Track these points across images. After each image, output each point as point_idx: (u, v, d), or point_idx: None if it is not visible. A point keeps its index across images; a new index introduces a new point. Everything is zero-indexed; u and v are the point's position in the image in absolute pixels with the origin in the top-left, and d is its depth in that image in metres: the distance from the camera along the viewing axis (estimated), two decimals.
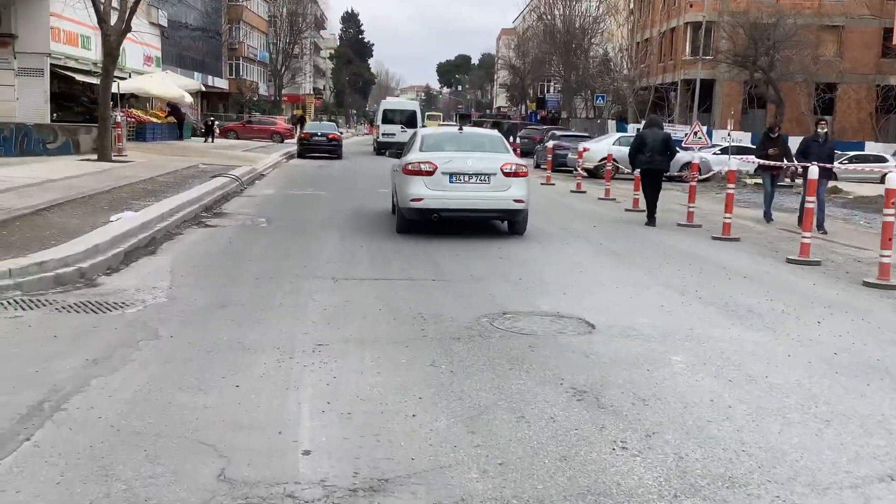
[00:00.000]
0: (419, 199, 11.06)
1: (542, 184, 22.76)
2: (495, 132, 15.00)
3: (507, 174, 11.29)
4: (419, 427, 4.15)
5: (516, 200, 11.27)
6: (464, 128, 13.94)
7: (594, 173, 25.68)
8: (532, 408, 4.47)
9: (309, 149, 32.52)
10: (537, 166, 31.31)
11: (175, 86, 34.36)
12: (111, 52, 19.97)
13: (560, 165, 29.27)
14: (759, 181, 18.35)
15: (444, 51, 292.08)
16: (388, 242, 10.71)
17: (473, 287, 7.83)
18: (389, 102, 42.30)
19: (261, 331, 5.97)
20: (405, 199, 11.27)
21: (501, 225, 12.22)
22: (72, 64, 29.92)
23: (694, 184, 15.00)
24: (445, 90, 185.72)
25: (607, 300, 7.43)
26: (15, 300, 6.77)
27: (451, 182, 11.17)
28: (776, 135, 15.57)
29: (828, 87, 44.52)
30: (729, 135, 41.24)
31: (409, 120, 36.58)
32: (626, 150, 25.75)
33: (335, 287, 7.70)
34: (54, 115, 28.33)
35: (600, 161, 25.98)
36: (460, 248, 10.28)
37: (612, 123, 44.58)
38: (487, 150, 12.03)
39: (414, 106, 41.62)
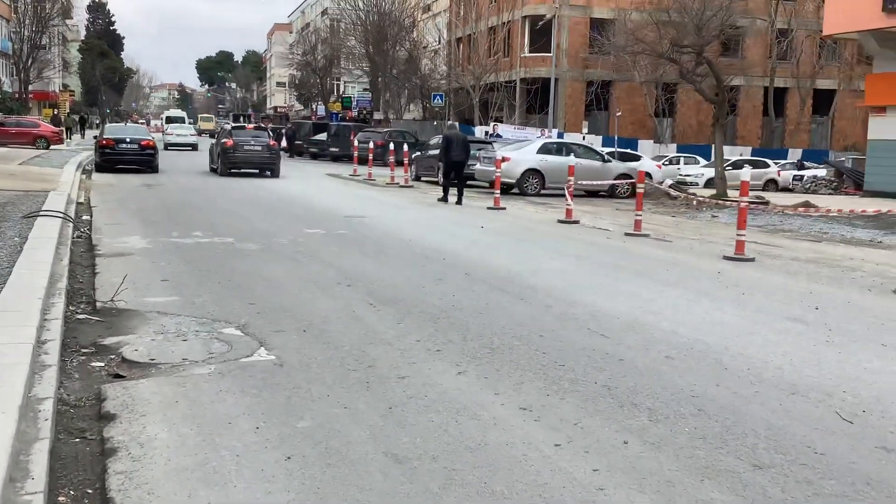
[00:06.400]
0: None
1: (489, 208, 17.17)
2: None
3: None
4: None
5: None
6: None
7: (507, 189, 20.60)
8: None
9: (114, 160, 24.47)
10: (417, 178, 25.63)
11: None
12: None
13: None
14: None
15: (191, 47, 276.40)
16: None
17: None
18: (170, 112, 66.72)
19: None
20: None
21: None
22: None
23: None
24: (204, 88, 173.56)
25: None
26: None
27: None
28: None
29: (666, 87, 42.56)
30: (584, 137, 38.10)
31: (181, 120, 53.81)
32: (555, 158, 21.11)
33: None
34: None
35: (524, 173, 20.95)
36: None
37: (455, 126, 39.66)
38: None
39: (183, 114, 62.58)
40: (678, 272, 9.74)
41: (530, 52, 43.34)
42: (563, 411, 4.63)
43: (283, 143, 45.09)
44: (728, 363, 5.69)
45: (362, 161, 29.23)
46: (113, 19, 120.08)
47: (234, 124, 36.90)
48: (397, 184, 23.45)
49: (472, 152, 23.11)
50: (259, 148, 25.67)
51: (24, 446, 3.79)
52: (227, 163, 25.32)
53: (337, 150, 37.82)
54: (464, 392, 4.95)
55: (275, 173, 25.84)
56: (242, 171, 25.66)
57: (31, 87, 69.01)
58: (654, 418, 4.53)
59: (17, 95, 65.12)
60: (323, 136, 39.56)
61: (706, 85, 24.85)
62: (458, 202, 17.98)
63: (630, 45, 30.19)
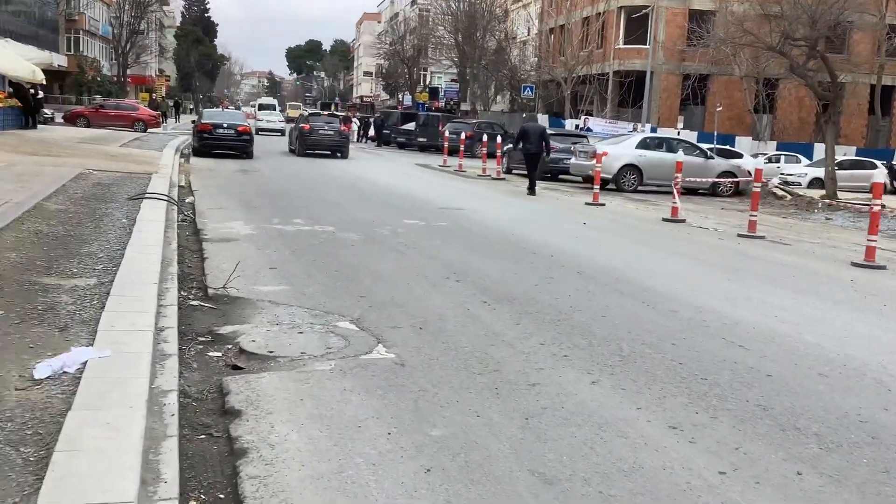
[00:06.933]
0: None
1: (587, 203, 16.68)
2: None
3: None
4: None
5: None
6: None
7: (602, 184, 19.98)
8: None
9: (212, 144, 24.75)
10: (508, 171, 25.21)
11: (21, 59, 25.55)
12: None
13: (548, 172, 23.33)
14: None
15: (281, 36, 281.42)
16: None
17: None
18: (262, 100, 64.00)
19: None
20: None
21: None
22: None
23: None
24: (292, 76, 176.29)
25: None
26: None
27: None
28: None
29: (767, 82, 40.92)
30: (678, 132, 36.97)
31: (272, 108, 53.48)
32: (655, 154, 20.42)
33: None
34: None
35: (622, 168, 20.35)
36: None
37: (544, 118, 39.08)
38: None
39: (274, 102, 62.25)
40: (807, 278, 9.12)
41: (625, 43, 42.32)
42: (719, 433, 4.21)
43: (371, 132, 45.37)
44: (891, 384, 5.16)
45: (451, 152, 28.98)
46: (207, 6, 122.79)
47: (310, 111, 42.93)
48: (489, 176, 23.10)
49: (567, 146, 22.67)
50: (332, 132, 28.77)
51: (153, 444, 3.60)
52: (304, 144, 28.20)
53: (425, 139, 37.67)
54: (602, 405, 4.58)
55: (344, 155, 28.82)
56: (316, 152, 28.40)
57: (128, 72, 71.23)
58: (824, 446, 4.08)
59: (115, 79, 67.29)
60: (411, 126, 39.42)
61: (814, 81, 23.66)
62: (532, 192, 18.40)
63: (735, 37, 29.03)
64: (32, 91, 27.71)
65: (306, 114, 34.21)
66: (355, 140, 46.51)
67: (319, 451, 3.79)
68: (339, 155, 28.83)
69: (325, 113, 37.01)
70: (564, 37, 46.40)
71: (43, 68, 29.03)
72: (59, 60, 53.09)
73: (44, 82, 29.19)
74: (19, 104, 26.79)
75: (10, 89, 27.88)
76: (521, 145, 19.22)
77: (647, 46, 39.31)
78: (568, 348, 5.70)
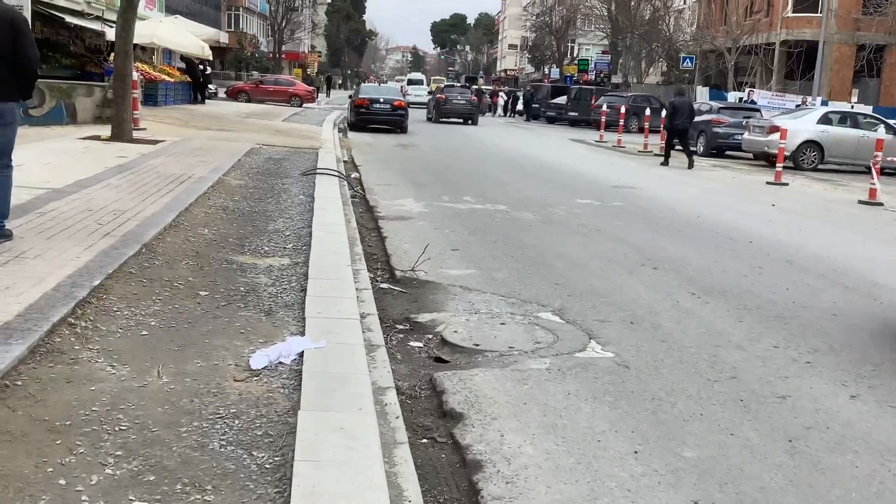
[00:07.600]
0: None
1: (768, 182, 15.52)
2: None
3: None
4: None
5: None
6: None
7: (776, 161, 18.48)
8: None
9: (368, 119, 24.87)
10: (690, 152, 23.95)
11: (192, 35, 26.51)
12: None
13: (716, 148, 22.08)
14: None
15: (427, 10, 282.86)
16: None
17: None
18: (412, 76, 69.15)
19: None
20: None
21: None
22: (60, 2, 22.23)
23: None
24: (435, 51, 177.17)
25: None
26: None
27: None
28: None
29: None
30: (852, 106, 34.27)
31: (420, 83, 57.14)
32: (839, 130, 18.88)
33: None
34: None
35: (801, 145, 18.91)
36: None
37: (703, 91, 37.22)
38: None
39: (423, 77, 66.39)
40: None
41: (794, 11, 39.62)
42: None
43: (520, 106, 44.74)
44: None
45: (607, 126, 27.95)
46: None
47: (446, 84, 47.51)
48: (650, 152, 22.03)
49: (738, 121, 21.37)
50: (463, 102, 32.25)
51: (384, 451, 3.26)
52: (439, 112, 32.05)
53: (576, 114, 36.54)
54: (874, 426, 3.94)
55: (474, 122, 31.99)
56: (450, 119, 31.93)
57: (283, 48, 73.42)
58: None
59: (271, 55, 69.53)
60: (561, 100, 38.37)
61: None
62: (689, 167, 18.11)
63: None
64: (201, 67, 28.77)
65: (442, 86, 39.04)
66: (502, 114, 46.06)
67: (562, 469, 3.36)
68: (469, 122, 31.70)
69: (458, 85, 40.91)
70: (728, 4, 43.98)
71: (210, 45, 30.08)
72: (222, 37, 55.32)
73: (211, 58, 30.25)
74: (188, 79, 27.87)
75: (183, 65, 29.05)
76: (670, 122, 18.52)
77: (819, 14, 36.63)
78: (808, 353, 5.04)
